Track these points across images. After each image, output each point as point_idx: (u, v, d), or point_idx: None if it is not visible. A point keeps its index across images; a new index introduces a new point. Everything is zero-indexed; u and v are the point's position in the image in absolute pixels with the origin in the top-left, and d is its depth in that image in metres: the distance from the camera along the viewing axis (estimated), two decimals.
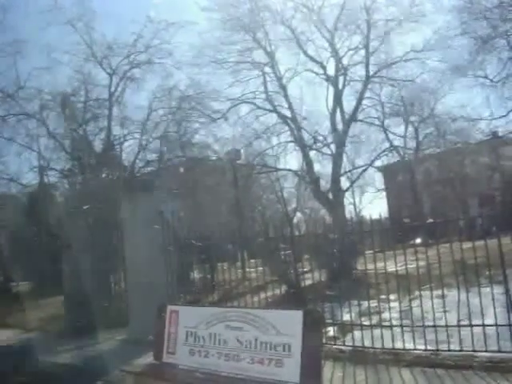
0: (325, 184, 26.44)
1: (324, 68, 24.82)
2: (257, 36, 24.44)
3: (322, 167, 26.70)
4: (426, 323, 6.99)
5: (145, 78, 18.10)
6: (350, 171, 25.25)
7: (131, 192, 11.56)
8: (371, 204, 30.99)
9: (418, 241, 10.01)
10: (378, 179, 33.47)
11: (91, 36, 17.73)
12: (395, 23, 24.25)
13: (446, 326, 6.85)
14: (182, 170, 16.27)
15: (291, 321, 5.50)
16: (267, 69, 25.34)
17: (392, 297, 8.37)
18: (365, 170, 26.46)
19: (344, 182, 26.56)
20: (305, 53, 24.55)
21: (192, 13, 21.88)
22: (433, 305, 7.07)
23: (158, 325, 7.11)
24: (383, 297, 8.36)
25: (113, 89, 17.30)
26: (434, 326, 6.81)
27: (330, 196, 25.44)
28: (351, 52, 25.31)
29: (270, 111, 25.29)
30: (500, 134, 25.20)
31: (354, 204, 37.40)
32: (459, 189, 32.14)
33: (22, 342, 12.10)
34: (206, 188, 16.97)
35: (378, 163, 27.78)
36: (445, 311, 7.25)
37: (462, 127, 25.45)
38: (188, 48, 20.43)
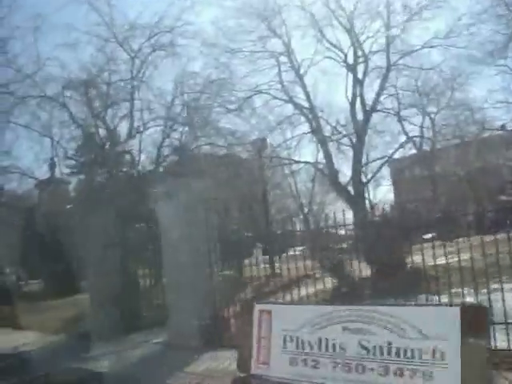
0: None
1: (345, 55, 23.83)
2: (272, 24, 23.41)
3: (337, 160, 25.60)
4: None
5: (168, 61, 16.90)
6: (369, 163, 24.17)
7: (167, 180, 10.33)
8: (385, 198, 29.75)
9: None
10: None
11: (112, 16, 16.47)
12: (417, 9, 23.35)
13: None
14: (209, 158, 15.14)
15: (442, 319, 4.39)
16: (283, 58, 24.36)
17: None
18: (385, 163, 25.47)
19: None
20: (325, 38, 23.53)
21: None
22: None
23: (241, 328, 5.94)
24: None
25: (135, 72, 16.09)
26: None
27: (350, 189, 24.52)
28: (371, 40, 24.37)
29: (287, 102, 24.29)
30: None
31: (369, 198, 36.37)
32: (476, 182, 31.26)
33: (48, 346, 10.84)
34: (233, 178, 15.87)
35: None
36: None
37: (482, 118, 24.63)
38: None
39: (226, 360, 8.30)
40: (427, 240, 9.28)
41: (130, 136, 15.32)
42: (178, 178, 10.29)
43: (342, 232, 11.03)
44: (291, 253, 12.29)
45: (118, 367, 9.02)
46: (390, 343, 4.58)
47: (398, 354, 4.48)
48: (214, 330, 9.93)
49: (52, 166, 19.41)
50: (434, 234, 9.88)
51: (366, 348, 4.72)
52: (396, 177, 27.54)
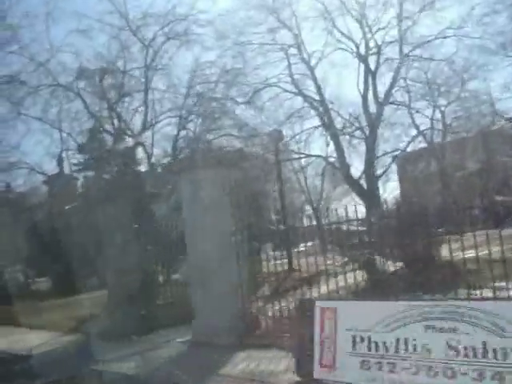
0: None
1: (357, 46, 23.35)
2: (282, 15, 22.88)
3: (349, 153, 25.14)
4: None
5: (181, 50, 16.34)
6: (382, 156, 23.65)
7: (191, 170, 9.78)
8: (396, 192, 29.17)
9: None
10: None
11: (125, 4, 15.88)
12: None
13: None
14: (228, 148, 14.57)
15: None
16: (293, 50, 23.88)
17: None
18: (396, 157, 25.01)
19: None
20: (337, 29, 23.02)
21: None
22: None
23: (299, 328, 5.38)
24: None
25: (148, 61, 15.50)
26: None
27: (363, 182, 24.07)
28: (384, 30, 23.92)
29: (297, 94, 23.81)
30: None
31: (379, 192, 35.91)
32: (485, 177, 30.76)
33: (66, 347, 10.26)
34: (251, 169, 15.30)
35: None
36: None
37: (494, 110, 24.22)
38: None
39: (262, 361, 7.79)
40: (456, 232, 8.92)
41: (145, 128, 14.78)
42: (202, 168, 9.65)
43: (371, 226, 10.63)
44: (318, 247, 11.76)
45: (145, 370, 8.45)
46: (484, 343, 4.05)
47: (496, 355, 3.96)
48: (245, 328, 9.43)
49: (64, 161, 18.85)
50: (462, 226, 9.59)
51: (455, 349, 4.19)
52: (409, 170, 27.03)
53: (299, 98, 24.75)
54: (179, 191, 10.20)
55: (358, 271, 10.43)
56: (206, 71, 16.02)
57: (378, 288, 9.75)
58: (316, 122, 23.25)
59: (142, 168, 14.29)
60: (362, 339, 4.69)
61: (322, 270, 9.70)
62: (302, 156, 23.18)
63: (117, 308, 11.10)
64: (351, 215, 8.78)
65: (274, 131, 16.90)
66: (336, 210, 9.69)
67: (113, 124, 15.05)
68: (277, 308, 9.30)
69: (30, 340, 10.86)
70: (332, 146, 23.47)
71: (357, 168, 25.48)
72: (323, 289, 9.08)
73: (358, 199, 24.30)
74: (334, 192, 28.26)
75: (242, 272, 9.71)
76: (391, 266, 9.51)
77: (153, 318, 11.02)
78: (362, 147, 24.72)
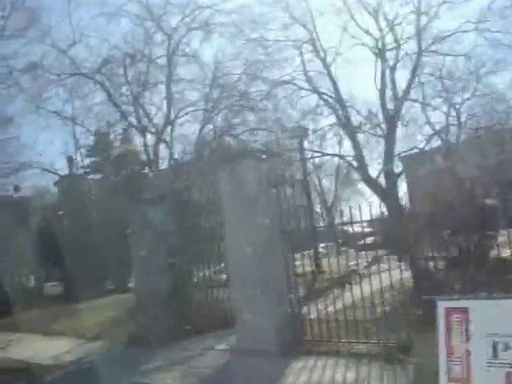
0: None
1: (377, 40, 22.66)
2: (297, 11, 22.17)
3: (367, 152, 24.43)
4: None
5: (204, 42, 15.57)
6: (404, 152, 22.87)
7: (231, 160, 9.01)
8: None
9: None
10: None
11: None
12: None
13: None
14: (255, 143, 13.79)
15: None
16: (308, 46, 23.19)
17: None
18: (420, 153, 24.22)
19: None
20: (356, 23, 22.33)
21: None
22: None
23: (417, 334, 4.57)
24: None
25: (171, 52, 14.67)
26: None
27: (382, 181, 23.41)
28: (402, 25, 23.26)
29: (313, 92, 23.14)
30: None
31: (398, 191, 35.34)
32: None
33: (96, 356, 9.35)
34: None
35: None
36: None
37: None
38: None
39: (326, 370, 7.04)
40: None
41: (168, 122, 13.99)
42: (246, 159, 8.90)
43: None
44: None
45: (191, 382, 7.62)
46: None
47: None
48: (297, 333, 8.65)
49: (77, 160, 18.02)
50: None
51: None
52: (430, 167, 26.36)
53: (314, 96, 24.00)
54: (218, 185, 9.36)
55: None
56: (228, 64, 15.29)
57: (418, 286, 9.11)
58: (331, 119, 22.53)
59: (170, 163, 13.51)
60: (508, 347, 3.91)
61: (370, 269, 9.10)
62: (318, 155, 22.43)
63: (147, 312, 10.24)
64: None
65: (299, 127, 16.17)
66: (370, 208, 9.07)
67: (137, 118, 14.25)
68: (332, 309, 8.56)
69: (54, 348, 9.97)
70: (348, 145, 22.73)
71: (373, 167, 24.70)
72: (376, 287, 8.38)
73: (371, 199, 23.55)
74: (346, 191, 27.60)
75: (290, 271, 8.98)
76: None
77: (187, 322, 10.19)
78: (380, 145, 23.94)
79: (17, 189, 17.89)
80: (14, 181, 17.16)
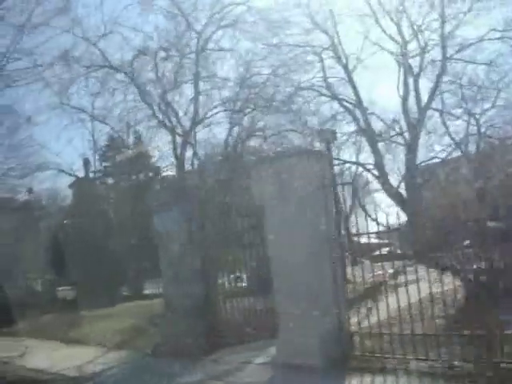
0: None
1: (401, 47, 22.25)
2: (318, 17, 21.79)
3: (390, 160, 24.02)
4: None
5: (232, 41, 15.09)
6: (427, 161, 22.35)
7: (275, 160, 8.39)
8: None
9: None
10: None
11: None
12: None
13: None
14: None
15: None
16: (329, 53, 22.85)
17: None
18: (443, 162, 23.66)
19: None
20: (381, 28, 21.90)
21: None
22: None
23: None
24: None
25: (199, 49, 14.13)
26: None
27: (403, 191, 23.01)
28: (426, 32, 22.86)
29: (334, 99, 22.72)
30: None
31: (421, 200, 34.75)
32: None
33: (121, 367, 8.57)
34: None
35: None
36: None
37: None
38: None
39: None
40: None
41: (196, 121, 13.37)
42: (294, 157, 8.27)
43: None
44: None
45: None
46: None
47: None
48: (344, 347, 7.92)
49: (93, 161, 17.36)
50: None
51: None
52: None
53: (335, 102, 23.67)
54: (259, 184, 8.69)
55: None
56: (258, 64, 14.75)
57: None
58: (352, 127, 22.07)
59: (200, 163, 12.86)
60: None
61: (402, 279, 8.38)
62: (340, 162, 21.94)
63: (177, 321, 9.50)
64: None
65: (327, 130, 15.57)
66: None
67: (168, 116, 13.63)
68: (376, 321, 7.85)
69: (75, 357, 9.22)
70: (368, 152, 22.28)
71: (394, 176, 24.30)
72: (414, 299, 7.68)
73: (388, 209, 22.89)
74: (364, 200, 26.98)
75: (338, 280, 8.26)
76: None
77: (221, 333, 9.45)
78: (402, 154, 23.53)
79: (31, 191, 17.34)
80: (29, 183, 16.64)
